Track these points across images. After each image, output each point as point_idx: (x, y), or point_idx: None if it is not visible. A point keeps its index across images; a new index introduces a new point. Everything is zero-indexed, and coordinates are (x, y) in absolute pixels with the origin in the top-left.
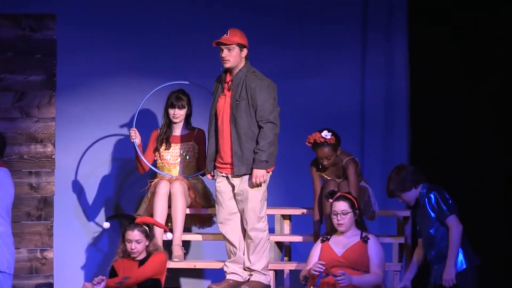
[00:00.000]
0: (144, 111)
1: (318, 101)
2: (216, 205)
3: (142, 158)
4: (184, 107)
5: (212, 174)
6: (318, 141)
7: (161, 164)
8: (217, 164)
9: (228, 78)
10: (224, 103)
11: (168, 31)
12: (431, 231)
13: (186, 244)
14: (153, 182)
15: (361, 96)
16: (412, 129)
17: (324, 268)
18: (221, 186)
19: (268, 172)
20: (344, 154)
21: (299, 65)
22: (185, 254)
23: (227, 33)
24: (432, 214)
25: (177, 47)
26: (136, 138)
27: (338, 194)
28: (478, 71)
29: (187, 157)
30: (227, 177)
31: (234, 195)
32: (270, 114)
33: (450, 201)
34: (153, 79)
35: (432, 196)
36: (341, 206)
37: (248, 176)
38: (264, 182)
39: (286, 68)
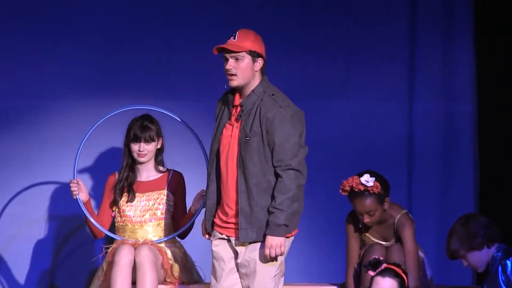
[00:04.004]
0: (93, 148)
1: (349, 131)
2: (211, 278)
3: (92, 221)
4: (153, 140)
5: (210, 234)
6: (357, 189)
7: (122, 223)
8: (216, 221)
9: (237, 100)
10: (230, 137)
11: (132, 37)
12: None
13: None
14: (111, 248)
15: (409, 124)
16: (481, 171)
17: None
18: (220, 250)
19: (288, 238)
20: (394, 208)
21: (323, 81)
22: None
23: (234, 36)
24: None
25: (144, 59)
26: (80, 192)
27: (383, 266)
28: None
29: (159, 212)
30: (228, 240)
31: (237, 265)
32: (293, 157)
33: None
34: (108, 102)
35: (509, 263)
36: (388, 285)
37: (259, 242)
38: (281, 254)
39: (304, 85)
